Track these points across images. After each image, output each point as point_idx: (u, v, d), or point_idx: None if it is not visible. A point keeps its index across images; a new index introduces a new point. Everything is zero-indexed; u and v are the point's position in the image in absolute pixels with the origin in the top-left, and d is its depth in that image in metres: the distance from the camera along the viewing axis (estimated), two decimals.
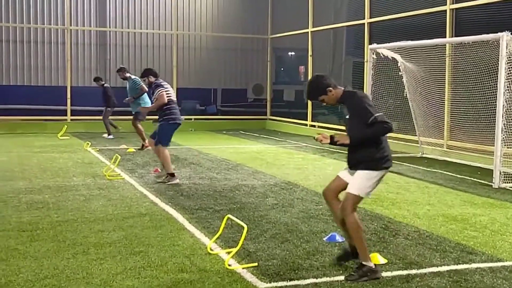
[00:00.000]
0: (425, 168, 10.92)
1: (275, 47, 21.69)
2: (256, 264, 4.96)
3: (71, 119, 18.61)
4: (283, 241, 5.71)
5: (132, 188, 8.49)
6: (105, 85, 16.64)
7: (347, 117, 4.98)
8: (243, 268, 4.86)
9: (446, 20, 12.49)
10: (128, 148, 13.17)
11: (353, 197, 4.83)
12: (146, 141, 12.82)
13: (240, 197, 7.87)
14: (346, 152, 5.03)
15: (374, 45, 12.45)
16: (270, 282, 4.57)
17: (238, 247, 5.05)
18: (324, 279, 4.64)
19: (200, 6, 21.18)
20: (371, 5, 15.29)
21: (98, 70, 20.09)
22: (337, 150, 13.61)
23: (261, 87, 21.93)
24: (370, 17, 15.28)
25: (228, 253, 5.17)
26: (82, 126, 18.24)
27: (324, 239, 5.81)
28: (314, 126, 18.21)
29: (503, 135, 9.15)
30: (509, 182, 9.10)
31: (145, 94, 13.25)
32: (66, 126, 16.67)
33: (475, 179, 9.75)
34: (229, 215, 5.59)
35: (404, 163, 11.51)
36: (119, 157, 9.74)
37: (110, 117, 16.38)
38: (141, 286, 4.46)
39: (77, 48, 19.76)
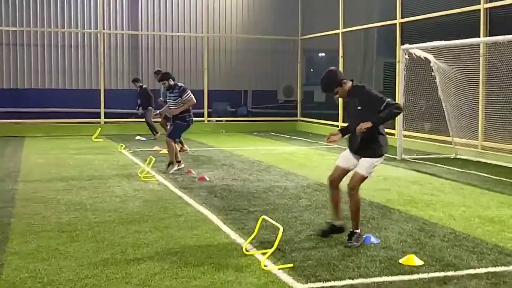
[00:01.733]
0: (459, 169, 10.80)
1: (305, 48, 21.68)
2: (291, 265, 4.99)
3: (105, 122, 18.88)
4: (318, 242, 5.73)
5: (167, 189, 8.59)
6: (143, 86, 16.83)
7: (359, 107, 5.59)
8: (279, 269, 4.89)
9: (480, 19, 12.33)
10: (161, 150, 13.30)
11: (361, 177, 5.71)
12: (185, 146, 13.24)
13: (274, 199, 7.91)
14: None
15: (407, 45, 12.37)
16: (306, 283, 4.59)
17: (273, 248, 5.09)
18: (360, 280, 4.65)
19: (231, 8, 21.30)
20: (402, 5, 15.18)
21: (131, 73, 20.35)
22: None
23: (292, 88, 21.94)
24: (402, 17, 15.16)
25: (264, 254, 5.21)
26: (116, 128, 18.50)
27: None
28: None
29: None
30: None
31: None
32: (100, 129, 16.93)
33: (511, 180, 9.61)
34: (264, 216, 5.64)
35: (438, 164, 11.41)
36: (153, 159, 9.87)
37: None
38: (179, 286, 4.53)
39: (110, 51, 20.06)
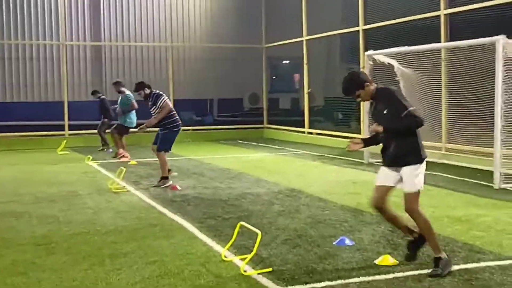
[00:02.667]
0: (427, 172, 11.01)
1: (269, 56, 21.86)
2: (270, 269, 5.07)
3: (69, 134, 18.66)
4: (294, 246, 5.82)
5: (139, 199, 8.58)
6: (101, 97, 16.72)
7: (385, 112, 5.16)
8: (258, 274, 4.96)
9: (440, 24, 12.67)
10: (129, 161, 13.24)
11: (413, 195, 5.23)
12: (120, 150, 13.67)
13: (247, 205, 7.98)
14: (379, 151, 5.37)
15: (371, 52, 12.63)
16: (286, 286, 4.68)
17: (253, 253, 5.15)
18: (339, 281, 4.76)
19: (194, 18, 21.35)
20: (365, 12, 15.48)
21: (94, 85, 20.16)
22: (337, 157, 13.77)
23: (257, 96, 22.09)
24: (365, 24, 15.45)
25: (242, 259, 5.27)
26: (81, 140, 18.27)
27: (334, 243, 5.92)
28: (311, 133, 18.35)
29: (502, 136, 9.30)
30: (510, 183, 9.25)
31: (134, 111, 13.79)
32: (65, 141, 16.71)
33: (475, 181, 9.90)
34: (242, 222, 5.70)
35: None
36: (124, 169, 9.83)
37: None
38: None
39: (73, 63, 19.87)
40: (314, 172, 11.48)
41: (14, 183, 10.35)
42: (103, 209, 7.89)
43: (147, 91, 10.00)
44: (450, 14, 12.66)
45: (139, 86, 10.13)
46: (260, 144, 17.87)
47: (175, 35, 20.82)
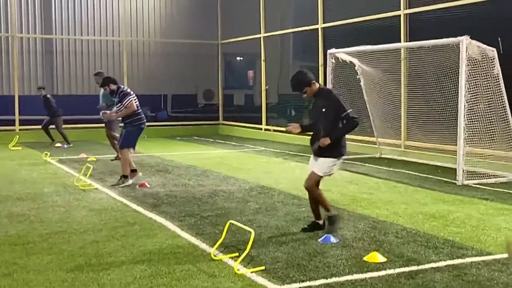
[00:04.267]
0: (387, 168, 11.29)
1: (224, 52, 21.78)
2: (263, 267, 5.06)
3: (20, 129, 18.07)
4: (280, 244, 5.83)
5: (109, 197, 8.40)
6: (47, 95, 16.09)
7: (323, 110, 6.01)
8: (252, 272, 4.95)
9: (400, 24, 12.94)
10: (88, 157, 12.94)
11: (316, 176, 6.12)
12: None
13: (222, 203, 7.94)
14: (309, 146, 6.41)
15: (333, 50, 12.77)
16: (283, 285, 4.68)
17: (246, 252, 5.13)
18: (334, 279, 4.79)
19: (148, 12, 21.05)
20: (324, 10, 15.63)
21: (45, 78, 19.66)
22: (298, 153, 13.88)
23: (211, 92, 21.99)
24: (324, 22, 15.61)
25: (233, 258, 5.25)
26: (33, 136, 17.72)
27: (319, 240, 5.95)
28: (269, 130, 18.41)
29: (465, 134, 9.58)
30: (472, 179, 9.55)
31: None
32: (17, 137, 16.19)
33: (438, 177, 10.17)
34: (232, 221, 5.67)
35: (366, 164, 11.87)
36: (91, 167, 9.60)
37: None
38: None
39: (23, 56, 19.25)
40: (279, 168, 11.53)
41: None
42: (75, 207, 7.68)
43: (113, 86, 9.72)
44: (410, 14, 12.94)
45: (105, 82, 9.87)
46: (217, 141, 17.80)
47: (129, 30, 20.48)
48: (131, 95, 9.65)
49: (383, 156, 13.06)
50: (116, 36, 20.35)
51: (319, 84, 6.19)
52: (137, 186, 9.25)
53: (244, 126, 19.82)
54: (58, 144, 16.02)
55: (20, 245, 5.82)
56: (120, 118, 10.03)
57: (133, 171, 9.64)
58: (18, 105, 18.14)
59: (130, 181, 9.41)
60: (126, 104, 9.49)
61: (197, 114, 21.68)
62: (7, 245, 5.83)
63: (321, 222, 6.29)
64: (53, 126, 16.23)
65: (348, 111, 5.96)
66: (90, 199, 8.20)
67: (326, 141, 5.96)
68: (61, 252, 5.58)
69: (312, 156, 6.28)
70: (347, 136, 6.24)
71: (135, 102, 9.63)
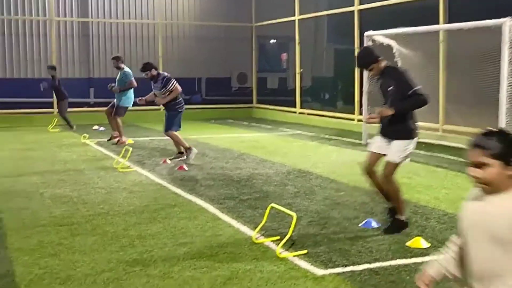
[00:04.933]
0: (426, 153, 11.14)
1: (257, 35, 21.69)
2: (306, 251, 5.07)
3: (58, 112, 18.31)
4: (321, 228, 5.83)
5: (148, 179, 8.50)
6: (54, 77, 15.98)
7: (389, 89, 5.63)
8: (294, 256, 4.96)
9: (439, 5, 12.69)
10: (126, 140, 13.07)
11: (393, 165, 5.65)
12: (123, 137, 12.78)
13: (260, 186, 7.96)
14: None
15: (370, 32, 12.61)
16: (326, 269, 4.68)
17: (288, 235, 5.15)
18: (378, 264, 4.78)
19: None
20: None
21: (82, 61, 19.91)
22: (333, 137, 13.81)
23: (245, 75, 21.96)
24: (360, 4, 15.40)
25: (274, 241, 5.27)
26: (70, 118, 17.96)
27: (360, 225, 5.94)
28: (303, 113, 18.33)
29: (507, 118, 9.39)
30: None
31: (132, 89, 13.08)
32: (56, 119, 16.45)
33: None
34: (273, 204, 5.69)
35: None
36: (130, 149, 9.71)
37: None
38: (201, 277, 4.52)
39: (60, 39, 19.48)
40: (316, 152, 11.49)
41: (14, 162, 10.17)
42: (115, 189, 7.79)
43: (154, 72, 10.07)
44: None
45: (147, 66, 10.10)
46: (251, 124, 17.81)
47: (164, 13, 20.52)
48: (173, 79, 10.26)
49: (420, 140, 12.85)
50: (151, 19, 20.44)
51: (386, 61, 5.77)
52: (175, 168, 9.33)
53: (278, 110, 19.77)
54: (95, 127, 16.21)
55: (65, 225, 5.94)
56: None
57: (188, 148, 10.06)
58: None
59: (192, 153, 9.89)
60: (171, 88, 9.85)
61: (231, 97, 21.69)
62: (53, 226, 5.95)
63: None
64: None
65: (415, 88, 5.52)
66: (130, 181, 8.30)
67: (387, 111, 5.53)
68: (105, 233, 5.67)
69: (379, 138, 5.83)
70: None
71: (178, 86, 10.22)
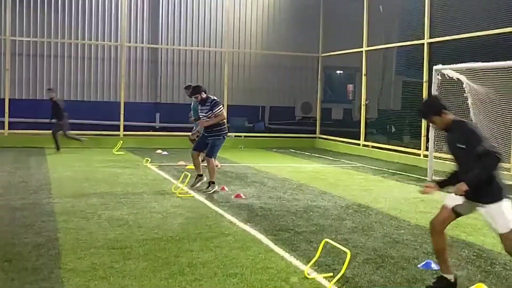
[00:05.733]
0: None
1: (324, 65, 21.60)
2: None
3: (124, 134, 18.75)
4: (377, 267, 5.58)
5: (205, 206, 8.46)
6: (53, 99, 16.02)
7: (460, 145, 4.87)
8: None
9: None
10: (187, 165, 13.17)
11: (509, 234, 4.76)
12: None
13: (317, 219, 7.76)
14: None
15: (440, 66, 12.27)
16: None
17: (342, 273, 4.94)
18: None
19: (251, 24, 21.31)
20: (431, 25, 15.11)
21: (150, 86, 20.38)
22: (398, 172, 13.44)
23: (309, 105, 21.86)
24: (430, 37, 15.08)
25: (327, 278, 5.07)
26: (134, 141, 18.38)
27: (419, 266, 5.65)
28: (367, 145, 18.00)
29: None
30: None
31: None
32: (121, 142, 16.82)
33: None
34: (327, 240, 5.50)
35: None
36: (189, 175, 9.72)
37: (74, 132, 16.54)
38: None
39: (130, 64, 20.02)
40: (378, 187, 11.18)
41: (76, 183, 10.37)
42: (171, 214, 7.78)
43: (204, 95, 10.09)
44: None
45: (197, 90, 10.16)
46: (313, 154, 17.61)
47: (231, 41, 20.79)
48: (221, 104, 10.29)
49: None
50: (218, 47, 20.74)
51: (453, 115, 5.02)
52: (232, 196, 9.26)
53: (341, 141, 19.51)
54: (158, 151, 16.46)
55: (118, 249, 5.94)
56: None
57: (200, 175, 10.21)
58: (123, 111, 18.81)
59: (216, 187, 9.85)
60: (217, 112, 9.91)
61: (294, 126, 21.61)
62: (106, 248, 5.96)
63: (451, 277, 5.03)
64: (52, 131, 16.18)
65: (486, 146, 4.71)
66: (187, 207, 8.28)
67: (461, 188, 4.77)
68: (157, 259, 5.62)
69: (462, 198, 4.99)
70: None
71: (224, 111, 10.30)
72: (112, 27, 19.82)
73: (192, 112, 12.98)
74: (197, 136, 11.04)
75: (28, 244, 6.01)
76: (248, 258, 5.76)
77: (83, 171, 12.05)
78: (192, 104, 12.83)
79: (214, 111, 9.95)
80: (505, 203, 4.81)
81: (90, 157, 14.87)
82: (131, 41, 19.96)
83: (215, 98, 10.25)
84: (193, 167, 12.57)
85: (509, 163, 12.17)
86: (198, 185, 10.07)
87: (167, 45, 20.47)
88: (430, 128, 12.51)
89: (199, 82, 20.36)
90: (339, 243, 6.37)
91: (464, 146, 4.84)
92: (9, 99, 18.03)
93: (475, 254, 6.19)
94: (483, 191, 4.81)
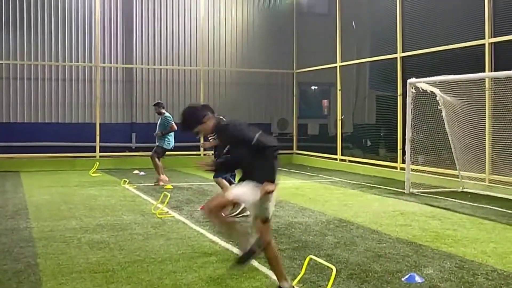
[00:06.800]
0: (471, 203, 10.77)
1: (298, 82, 21.74)
2: None
3: (100, 156, 18.58)
4: (362, 282, 5.59)
5: (186, 226, 8.40)
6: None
7: (228, 147, 5.40)
8: None
9: (485, 53, 12.47)
10: (165, 185, 13.10)
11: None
12: (161, 176, 13.27)
13: (299, 235, 7.76)
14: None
15: (413, 79, 12.44)
16: None
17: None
18: None
19: (225, 42, 21.36)
20: (403, 39, 15.33)
21: (125, 106, 20.25)
22: (376, 186, 13.53)
23: (286, 121, 21.93)
24: (403, 51, 15.30)
25: None
26: (111, 162, 18.23)
27: (403, 279, 5.68)
28: (344, 160, 18.11)
29: None
30: None
31: (172, 133, 13.53)
32: (98, 163, 16.67)
33: None
34: (312, 256, 5.50)
35: (448, 198, 11.38)
36: (168, 195, 9.66)
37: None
38: None
39: (105, 84, 19.90)
40: (357, 201, 11.23)
41: (54, 206, 10.23)
42: (153, 235, 7.71)
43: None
44: (495, 42, 12.46)
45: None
46: (291, 170, 17.65)
47: (206, 59, 20.81)
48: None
49: (465, 190, 12.50)
50: (193, 66, 20.75)
51: (217, 117, 5.30)
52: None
53: (319, 156, 19.60)
54: (136, 171, 16.35)
55: (100, 272, 5.86)
56: None
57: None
58: (99, 132, 18.65)
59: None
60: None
61: None
62: (88, 272, 5.87)
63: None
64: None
65: (256, 136, 4.91)
66: (168, 228, 8.22)
67: (269, 188, 4.94)
68: (140, 281, 5.56)
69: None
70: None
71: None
72: (86, 48, 19.69)
73: (157, 127, 13.89)
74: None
75: (7, 271, 5.90)
76: (232, 278, 5.72)
77: (60, 194, 11.90)
78: (159, 120, 13.84)
79: None
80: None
81: (67, 179, 14.69)
82: (105, 61, 19.86)
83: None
84: (170, 187, 12.61)
85: (484, 173, 12.34)
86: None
87: (142, 64, 20.41)
88: (406, 141, 12.66)
89: (175, 101, 20.37)
90: (322, 259, 6.39)
91: (230, 147, 5.17)
92: None
93: (456, 265, 6.24)
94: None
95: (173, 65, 20.62)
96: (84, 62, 19.62)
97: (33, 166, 17.33)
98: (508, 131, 11.48)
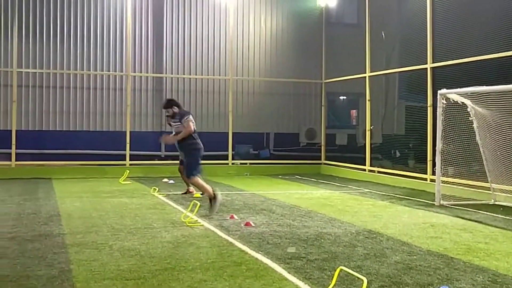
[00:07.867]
0: (504, 216, 10.61)
1: (327, 91, 21.72)
2: None
3: (130, 164, 18.79)
4: None
5: (215, 235, 8.45)
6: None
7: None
8: None
9: None
10: (194, 193, 13.18)
11: None
12: (191, 188, 13.16)
13: (328, 246, 7.74)
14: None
15: (444, 90, 12.34)
16: None
17: None
18: None
19: (254, 52, 21.50)
20: (434, 49, 15.23)
21: (155, 115, 20.48)
22: (405, 197, 13.43)
23: (314, 131, 21.91)
24: (433, 62, 15.19)
25: None
26: (141, 170, 18.44)
27: None
28: (373, 171, 18.01)
29: None
30: None
31: None
32: (128, 171, 16.86)
33: None
34: (343, 267, 5.49)
35: (480, 211, 11.24)
36: (198, 204, 9.73)
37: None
38: None
39: (135, 93, 20.16)
40: (386, 212, 11.16)
41: (85, 213, 10.37)
42: (182, 243, 7.77)
43: (176, 109, 11.49)
44: None
45: (169, 104, 11.56)
46: (319, 180, 17.62)
47: (235, 69, 20.95)
48: (190, 114, 11.33)
49: (497, 203, 12.33)
50: (222, 75, 20.90)
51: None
52: (242, 224, 9.25)
53: (347, 167, 19.52)
54: (165, 180, 16.48)
55: (131, 280, 5.92)
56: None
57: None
58: (129, 141, 18.87)
59: (217, 202, 10.27)
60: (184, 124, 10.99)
61: (299, 153, 21.65)
62: (119, 279, 5.94)
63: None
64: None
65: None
66: (197, 236, 8.28)
67: None
68: None
69: None
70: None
71: (193, 124, 11.06)
72: (117, 58, 20.00)
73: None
74: None
75: (41, 276, 6.01)
76: (262, 287, 5.74)
77: (91, 201, 12.06)
78: None
79: (182, 122, 11.03)
80: None
81: (97, 187, 14.89)
82: (136, 71, 20.13)
83: (187, 111, 11.46)
84: (200, 195, 12.66)
85: None
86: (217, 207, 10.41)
87: (172, 74, 20.64)
88: (437, 152, 12.54)
89: (204, 110, 20.57)
90: (352, 270, 6.37)
91: None
92: (16, 131, 18.11)
93: (489, 279, 6.16)
94: None
95: (202, 75, 20.81)
96: (116, 71, 19.93)
97: (65, 174, 17.61)
98: None
